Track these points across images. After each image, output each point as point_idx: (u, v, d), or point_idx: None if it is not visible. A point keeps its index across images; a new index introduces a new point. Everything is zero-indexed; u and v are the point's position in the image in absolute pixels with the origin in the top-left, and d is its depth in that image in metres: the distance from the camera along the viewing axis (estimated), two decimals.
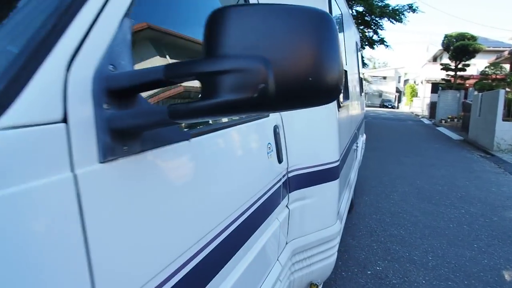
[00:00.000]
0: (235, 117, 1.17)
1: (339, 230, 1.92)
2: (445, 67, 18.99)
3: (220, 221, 0.93)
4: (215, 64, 0.51)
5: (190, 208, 0.78)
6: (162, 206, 0.68)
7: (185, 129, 0.87)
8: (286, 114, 1.58)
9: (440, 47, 21.48)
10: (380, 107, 38.73)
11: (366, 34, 13.73)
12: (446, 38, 18.73)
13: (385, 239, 3.29)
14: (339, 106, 1.90)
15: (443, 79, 19.85)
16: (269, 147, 1.33)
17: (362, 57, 17.46)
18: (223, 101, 0.51)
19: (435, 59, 28.82)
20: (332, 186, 1.81)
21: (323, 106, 1.63)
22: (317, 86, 0.54)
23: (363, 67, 20.97)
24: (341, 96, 2.53)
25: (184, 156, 0.79)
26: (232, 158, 1.03)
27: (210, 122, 1.03)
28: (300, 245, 1.70)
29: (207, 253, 0.85)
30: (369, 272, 2.66)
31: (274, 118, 1.44)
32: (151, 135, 0.69)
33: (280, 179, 1.46)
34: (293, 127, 1.61)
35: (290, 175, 1.60)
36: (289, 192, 1.61)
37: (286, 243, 1.63)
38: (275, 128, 1.42)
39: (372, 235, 3.37)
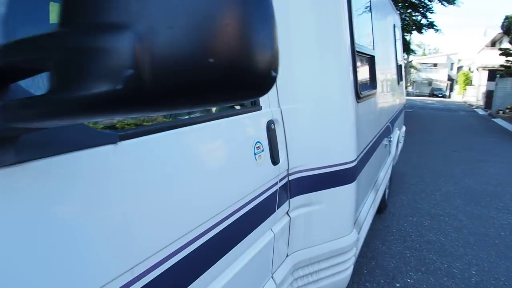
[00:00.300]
0: (200, 111, 0.97)
1: (356, 241, 1.66)
2: (505, 52, 17.25)
3: (173, 240, 0.75)
4: (57, 39, 0.33)
5: (114, 227, 0.60)
6: (58, 229, 0.51)
7: (110, 128, 0.70)
8: (288, 107, 1.35)
9: (500, 30, 19.50)
10: (429, 96, 36.35)
11: (413, 17, 12.71)
12: (507, 20, 16.96)
13: (421, 246, 2.94)
14: (358, 97, 1.63)
15: (502, 66, 18.05)
16: (258, 147, 1.12)
17: (409, 43, 16.31)
18: (73, 97, 0.32)
19: (493, 43, 26.33)
20: (346, 190, 1.56)
21: (336, 96, 1.37)
22: (230, 73, 0.34)
23: (410, 53, 19.63)
24: (371, 84, 2.23)
25: (103, 166, 0.61)
26: (193, 164, 0.84)
27: (158, 119, 0.84)
28: (305, 258, 1.48)
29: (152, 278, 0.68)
30: (397, 285, 2.37)
31: (268, 112, 1.23)
32: (44, 137, 0.52)
33: (276, 183, 1.25)
34: (297, 122, 1.38)
35: (292, 177, 1.38)
36: (291, 198, 1.39)
37: (287, 256, 1.42)
38: (270, 124, 1.21)
39: (405, 241, 3.03)
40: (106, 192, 0.61)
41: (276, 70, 0.39)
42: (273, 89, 1.30)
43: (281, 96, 1.34)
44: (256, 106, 1.17)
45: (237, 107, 1.15)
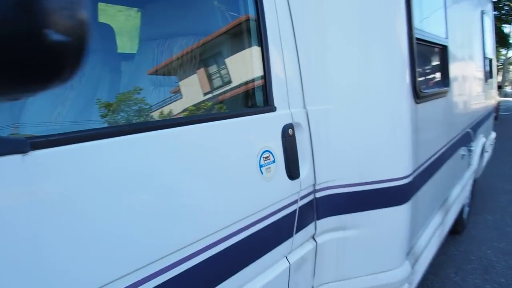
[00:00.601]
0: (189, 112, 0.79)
1: (408, 276, 1.33)
2: None
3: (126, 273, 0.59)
4: None
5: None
6: None
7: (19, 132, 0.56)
8: (318, 108, 1.11)
9: None
10: None
11: None
12: None
13: (508, 280, 2.38)
14: (417, 97, 1.30)
15: None
16: (267, 157, 0.90)
17: (508, 35, 14.17)
18: None
19: None
20: (395, 213, 1.25)
21: (384, 95, 1.11)
22: None
23: (510, 48, 17.01)
24: (441, 81, 1.83)
25: (5, 181, 0.47)
26: (161, 183, 0.66)
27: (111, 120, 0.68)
28: None
29: None
30: None
31: (285, 114, 0.99)
32: None
33: (295, 202, 1.02)
34: (329, 127, 1.13)
35: (320, 194, 1.13)
36: (318, 219, 1.14)
37: None
38: (287, 129, 0.97)
39: (487, 272, 2.49)
40: (6, 216, 0.46)
41: (73, 33, 0.19)
42: (297, 86, 1.07)
43: (308, 94, 1.09)
44: (266, 107, 0.95)
45: (236, 107, 0.94)
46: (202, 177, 0.74)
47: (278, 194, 0.95)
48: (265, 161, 0.90)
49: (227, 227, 0.79)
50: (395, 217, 1.25)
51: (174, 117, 0.79)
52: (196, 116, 0.82)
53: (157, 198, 0.66)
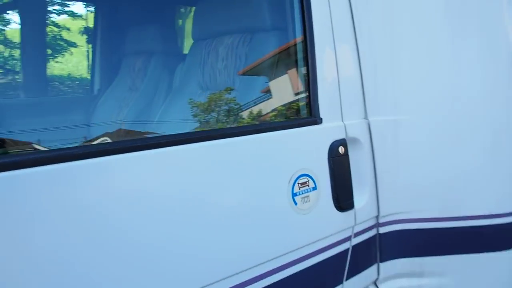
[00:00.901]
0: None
1: None
2: None
3: None
4: None
5: None
6: None
7: None
8: (384, 119, 0.87)
9: None
10: None
11: None
12: None
13: None
14: None
15: None
16: (304, 183, 0.71)
17: None
18: None
19: None
20: (498, 261, 0.92)
21: (481, 103, 0.85)
22: None
23: None
24: None
25: None
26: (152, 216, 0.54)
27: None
28: None
29: None
30: None
31: (336, 127, 0.78)
32: None
33: (347, 239, 0.81)
34: (399, 142, 0.88)
35: (385, 230, 0.89)
36: (382, 261, 0.89)
37: None
38: (336, 147, 0.76)
39: None
40: None
41: None
42: (355, 91, 0.84)
43: (372, 101, 0.86)
44: (308, 118, 0.75)
45: (266, 118, 0.76)
46: (207, 210, 0.59)
47: (320, 230, 0.74)
48: (301, 188, 0.71)
49: (242, 272, 0.62)
50: (497, 265, 0.92)
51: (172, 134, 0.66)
52: (208, 131, 0.68)
53: (156, 233, 0.53)
